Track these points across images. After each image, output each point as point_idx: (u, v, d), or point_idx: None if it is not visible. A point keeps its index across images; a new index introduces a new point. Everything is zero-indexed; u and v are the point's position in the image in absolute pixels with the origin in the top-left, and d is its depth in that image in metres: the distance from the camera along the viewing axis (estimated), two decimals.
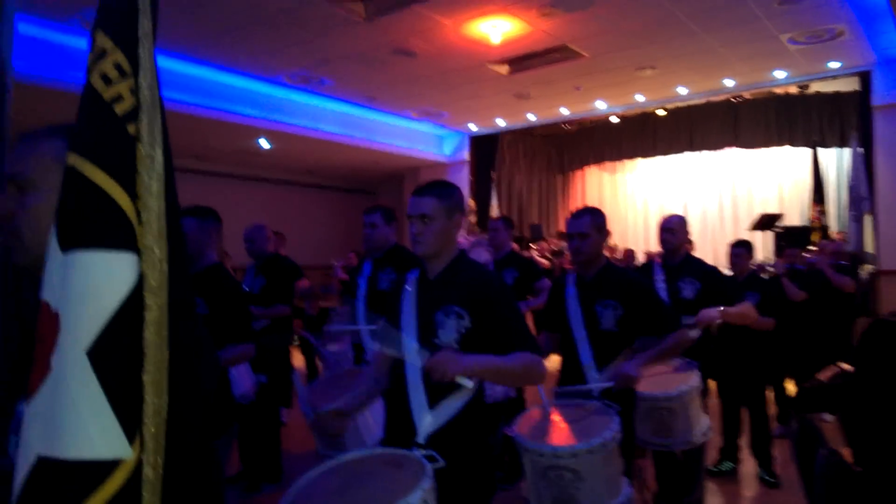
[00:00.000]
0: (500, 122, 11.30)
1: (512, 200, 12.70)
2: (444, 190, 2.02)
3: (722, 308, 3.19)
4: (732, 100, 10.60)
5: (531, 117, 10.95)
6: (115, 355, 0.83)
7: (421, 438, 1.81)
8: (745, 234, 8.85)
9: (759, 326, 4.00)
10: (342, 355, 3.82)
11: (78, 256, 0.85)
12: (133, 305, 0.85)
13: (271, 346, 4.15)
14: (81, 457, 0.79)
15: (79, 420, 0.80)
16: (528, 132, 12.65)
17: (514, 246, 5.51)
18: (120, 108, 0.88)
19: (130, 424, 0.82)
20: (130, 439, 0.82)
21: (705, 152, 11.82)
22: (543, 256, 9.88)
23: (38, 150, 1.05)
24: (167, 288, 0.89)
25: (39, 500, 0.81)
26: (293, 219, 11.79)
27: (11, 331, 1.26)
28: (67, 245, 0.86)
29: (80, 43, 6.78)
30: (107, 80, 0.89)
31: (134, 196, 0.89)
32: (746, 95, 10.40)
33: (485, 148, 12.06)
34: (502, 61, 7.89)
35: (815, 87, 10.11)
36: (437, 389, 1.90)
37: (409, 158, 11.66)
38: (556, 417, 2.30)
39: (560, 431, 2.21)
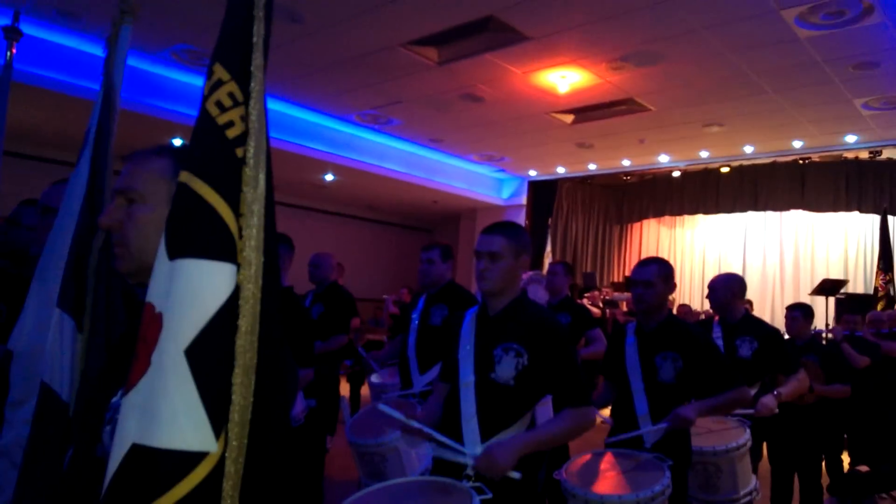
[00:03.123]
0: (561, 170, 11.36)
1: (567, 248, 12.64)
2: (513, 231, 2.09)
3: (776, 392, 3.15)
4: (800, 161, 10.37)
5: (592, 167, 10.97)
6: (210, 356, 0.90)
7: (470, 470, 1.83)
8: (806, 298, 8.54)
9: (833, 395, 3.86)
10: (391, 386, 3.87)
11: (184, 264, 0.93)
12: (229, 312, 0.93)
13: (322, 373, 4.24)
14: (173, 446, 0.86)
15: (173, 412, 0.87)
16: (588, 180, 12.64)
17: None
18: (231, 133, 0.98)
19: (218, 420, 0.89)
20: (217, 434, 0.88)
21: (769, 212, 11.53)
22: (595, 305, 9.76)
23: (148, 166, 1.15)
24: (260, 299, 0.97)
25: (131, 485, 0.87)
26: (349, 251, 12.05)
27: (109, 333, 1.37)
28: (175, 253, 0.95)
29: (171, 74, 7.28)
30: (221, 107, 0.99)
31: (237, 213, 0.97)
32: (815, 158, 10.16)
33: (543, 193, 12.11)
34: (567, 111, 7.99)
35: (887, 154, 9.80)
36: (490, 423, 1.93)
37: (468, 199, 11.83)
38: (605, 465, 2.28)
39: (608, 480, 2.18)
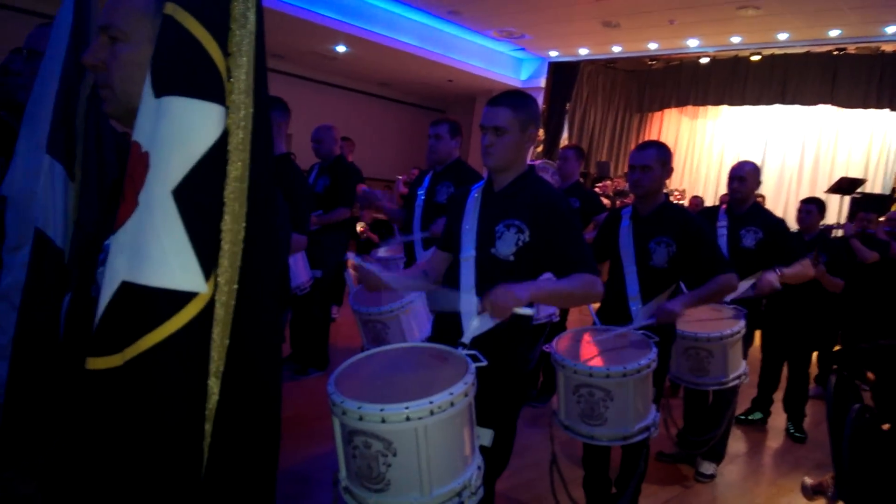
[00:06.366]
0: (583, 51, 10.86)
1: (583, 134, 12.35)
2: (519, 101, 1.97)
3: (779, 272, 3.11)
4: (835, 52, 9.78)
5: (616, 49, 10.48)
6: (198, 198, 0.88)
7: (466, 339, 1.86)
8: (822, 196, 8.44)
9: (828, 286, 3.89)
10: (394, 261, 3.93)
11: (170, 102, 0.89)
12: (218, 156, 0.90)
13: (328, 246, 4.29)
14: (162, 285, 0.86)
15: (161, 252, 0.87)
16: (611, 64, 12.11)
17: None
18: None
19: (208, 263, 0.88)
20: (206, 276, 0.89)
21: (794, 108, 11.08)
22: (605, 196, 9.67)
23: (130, 1, 1.06)
24: (250, 146, 0.93)
25: (121, 321, 0.88)
26: (362, 129, 11.81)
27: (104, 176, 1.35)
28: (161, 91, 0.90)
29: None
30: None
31: (226, 52, 0.92)
32: (851, 49, 9.58)
33: (563, 76, 11.65)
34: None
35: None
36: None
37: (484, 79, 11.43)
38: (595, 340, 2.35)
39: (598, 353, 2.26)
